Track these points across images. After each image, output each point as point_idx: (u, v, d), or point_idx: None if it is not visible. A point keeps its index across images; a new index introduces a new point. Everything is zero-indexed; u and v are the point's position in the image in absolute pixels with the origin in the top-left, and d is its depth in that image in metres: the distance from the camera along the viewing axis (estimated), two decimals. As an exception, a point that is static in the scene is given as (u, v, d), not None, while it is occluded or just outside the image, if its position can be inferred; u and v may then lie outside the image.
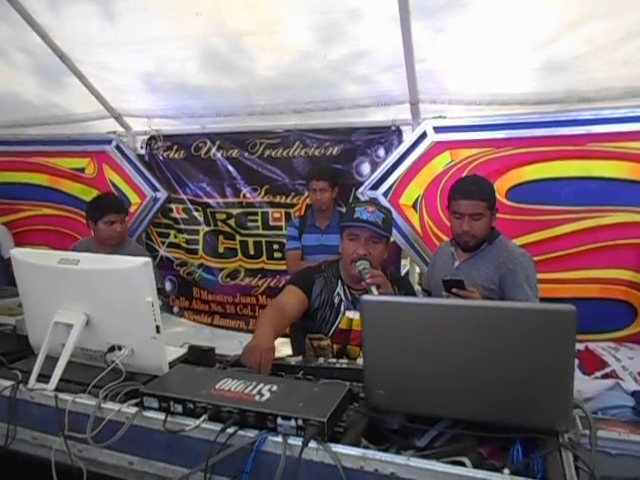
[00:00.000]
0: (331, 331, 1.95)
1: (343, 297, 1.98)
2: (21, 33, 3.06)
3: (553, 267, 2.90)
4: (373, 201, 2.99)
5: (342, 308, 1.97)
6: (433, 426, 1.24)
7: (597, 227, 2.82)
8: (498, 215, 2.35)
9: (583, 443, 1.31)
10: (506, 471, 1.00)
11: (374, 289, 1.78)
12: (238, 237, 3.78)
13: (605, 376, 2.17)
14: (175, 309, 4.06)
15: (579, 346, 2.45)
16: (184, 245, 3.94)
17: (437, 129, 3.07)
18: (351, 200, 3.34)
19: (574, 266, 2.90)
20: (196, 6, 2.68)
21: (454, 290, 1.93)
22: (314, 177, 3.13)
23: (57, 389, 1.38)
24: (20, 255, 1.56)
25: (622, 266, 2.82)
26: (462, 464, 1.07)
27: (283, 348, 2.37)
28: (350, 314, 1.96)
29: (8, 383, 1.44)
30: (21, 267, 1.56)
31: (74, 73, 3.30)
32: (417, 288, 3.47)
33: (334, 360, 1.64)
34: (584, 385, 2.07)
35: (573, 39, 2.46)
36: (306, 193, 3.45)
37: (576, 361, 2.27)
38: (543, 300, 2.22)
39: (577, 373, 2.19)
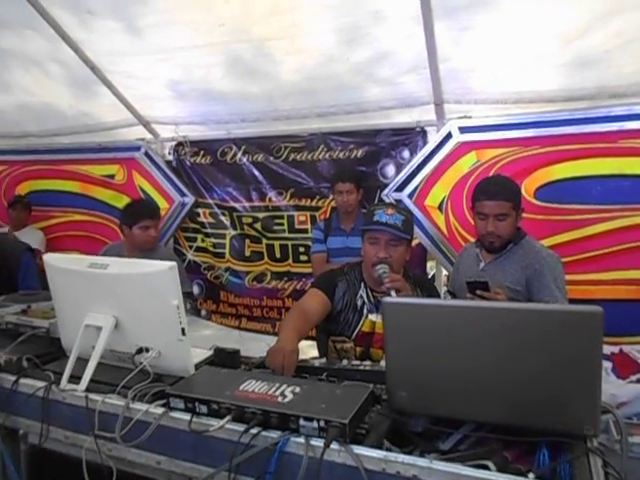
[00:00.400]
0: (354, 334, 1.95)
1: (366, 300, 1.98)
2: (55, 46, 3.18)
3: (585, 268, 2.83)
4: (394, 203, 2.97)
5: (365, 311, 1.97)
6: (457, 429, 1.23)
7: (630, 226, 2.74)
8: (526, 215, 2.31)
9: (617, 449, 1.27)
10: (531, 475, 0.98)
11: (393, 293, 1.77)
12: (264, 240, 3.82)
13: (640, 380, 2.10)
14: (203, 312, 4.12)
15: (613, 349, 2.39)
16: (211, 249, 4.00)
17: (462, 129, 3.04)
18: (376, 202, 3.33)
19: (607, 267, 2.82)
20: (219, 18, 2.74)
21: (478, 292, 1.91)
22: (340, 179, 3.13)
23: (87, 390, 1.42)
24: (52, 260, 1.61)
25: (657, 266, 2.73)
26: (486, 468, 1.06)
27: (309, 350, 2.38)
28: (373, 317, 1.95)
29: (41, 384, 1.48)
30: (53, 271, 1.61)
31: (104, 83, 3.41)
32: (444, 290, 3.44)
33: (357, 362, 1.63)
34: (618, 389, 2.00)
35: (602, 33, 2.41)
36: (331, 196, 3.46)
37: (610, 364, 2.21)
38: (573, 302, 2.17)
39: (611, 377, 2.13)
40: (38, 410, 1.46)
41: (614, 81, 2.61)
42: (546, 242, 2.57)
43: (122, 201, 4.03)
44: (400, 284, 1.83)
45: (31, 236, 4.02)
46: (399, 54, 2.80)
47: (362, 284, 2.01)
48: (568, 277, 2.18)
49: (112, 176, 4.10)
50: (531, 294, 2.05)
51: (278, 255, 3.81)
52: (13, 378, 1.53)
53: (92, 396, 1.39)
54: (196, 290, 4.09)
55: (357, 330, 1.95)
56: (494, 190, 2.11)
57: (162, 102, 3.60)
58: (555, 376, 1.09)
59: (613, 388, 1.96)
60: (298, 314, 1.86)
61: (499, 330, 1.14)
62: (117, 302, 1.50)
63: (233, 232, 3.92)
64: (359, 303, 1.97)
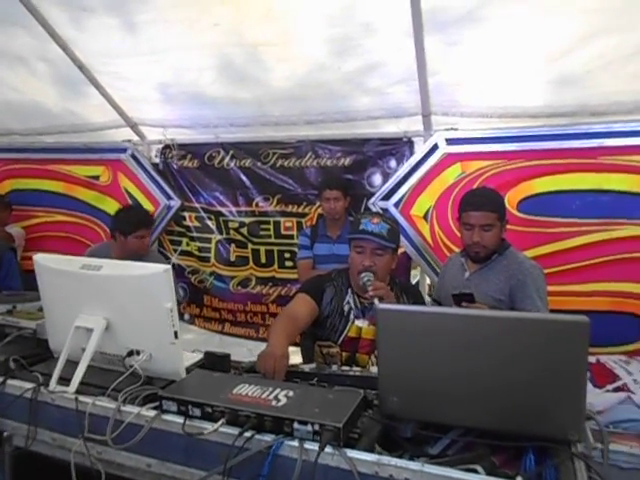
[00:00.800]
0: (340, 339, 1.98)
1: (353, 306, 2.01)
2: (43, 44, 3.14)
3: (564, 280, 2.90)
4: (381, 212, 3.02)
5: (351, 316, 1.99)
6: (446, 434, 1.26)
7: (608, 240, 2.82)
8: (509, 227, 2.37)
9: (595, 456, 1.31)
10: (519, 479, 1.02)
11: (376, 301, 1.78)
12: (250, 245, 3.82)
13: (616, 389, 2.17)
14: (186, 316, 4.09)
15: (590, 359, 2.44)
16: (196, 253, 3.98)
17: (449, 141, 3.10)
18: (362, 210, 3.37)
19: (585, 279, 2.89)
20: (215, 16, 2.74)
21: (464, 304, 1.95)
22: (327, 186, 3.15)
23: (77, 392, 1.42)
24: (43, 260, 1.60)
25: (633, 279, 2.81)
26: (475, 472, 1.09)
27: (293, 357, 2.39)
28: (359, 323, 1.99)
29: (29, 385, 1.47)
30: (44, 272, 1.60)
31: (92, 83, 3.38)
32: (427, 299, 3.49)
33: (347, 368, 1.66)
34: (595, 398, 2.06)
35: (585, 53, 2.49)
36: (318, 203, 3.48)
37: (588, 374, 2.27)
38: (554, 312, 2.23)
39: (588, 386, 2.18)
40: (25, 412, 1.45)
41: (595, 100, 2.70)
42: (528, 253, 2.63)
43: (106, 202, 4.01)
44: (383, 292, 1.86)
45: (13, 233, 3.95)
46: (389, 66, 2.85)
47: (349, 290, 2.04)
48: (549, 288, 2.25)
49: (97, 177, 4.05)
50: (514, 303, 2.10)
51: (263, 260, 3.81)
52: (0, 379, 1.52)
53: (82, 398, 1.39)
54: (180, 294, 4.07)
55: (343, 335, 1.98)
56: (480, 201, 2.17)
57: (150, 104, 3.58)
58: (541, 383, 1.13)
59: (590, 397, 2.00)
60: (287, 319, 1.88)
61: (488, 338, 1.17)
62: (109, 304, 1.51)
63: (219, 236, 3.90)
64: (346, 309, 2.00)
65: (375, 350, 1.95)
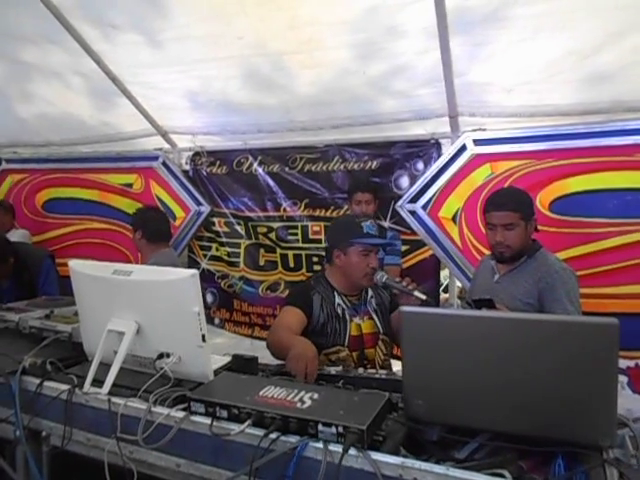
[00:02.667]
0: (346, 340, 2.00)
1: (344, 306, 2.05)
2: (77, 58, 3.27)
3: (600, 282, 2.82)
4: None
5: (347, 317, 2.03)
6: (473, 438, 1.24)
7: (646, 240, 2.74)
8: (541, 228, 2.32)
9: (632, 464, 1.27)
10: (547, 484, 1.00)
11: (418, 293, 1.83)
12: (278, 250, 3.86)
13: (656, 395, 2.09)
14: (216, 321, 4.16)
15: (629, 363, 2.38)
16: (225, 258, 4.04)
17: (477, 142, 3.06)
18: (389, 214, 3.36)
19: (622, 281, 2.80)
20: (238, 31, 2.81)
21: (484, 310, 1.92)
22: (359, 189, 3.14)
23: (110, 393, 1.46)
24: (77, 267, 1.66)
25: (672, 280, 2.72)
26: (502, 476, 1.07)
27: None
28: (356, 320, 2.04)
29: (65, 387, 1.52)
30: (78, 278, 1.66)
31: (124, 94, 3.49)
32: (457, 302, 3.45)
33: (373, 370, 1.66)
34: (634, 404, 1.98)
35: (618, 48, 2.43)
36: (345, 207, 3.49)
37: (626, 379, 2.20)
38: (588, 315, 2.17)
39: (627, 391, 2.13)
40: (61, 413, 1.50)
41: (630, 96, 2.63)
42: (561, 255, 2.57)
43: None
44: (415, 284, 1.90)
45: (17, 237, 4.03)
46: (414, 68, 2.84)
47: (335, 293, 2.07)
48: (582, 290, 2.18)
49: (130, 185, 4.17)
50: (543, 307, 2.05)
51: (292, 265, 3.84)
52: (37, 381, 1.58)
53: (114, 399, 1.43)
54: (210, 298, 4.13)
55: (347, 336, 2.00)
56: (501, 201, 2.16)
57: (180, 112, 3.67)
58: (571, 387, 1.10)
59: (629, 402, 1.94)
60: (285, 329, 1.88)
61: (515, 341, 1.15)
62: (139, 308, 1.54)
63: (248, 241, 3.96)
64: (339, 311, 2.03)
65: (378, 341, 2.07)
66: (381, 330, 2.08)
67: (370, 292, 2.14)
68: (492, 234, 2.16)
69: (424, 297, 1.83)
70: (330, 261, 2.11)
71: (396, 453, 1.14)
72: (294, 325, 1.92)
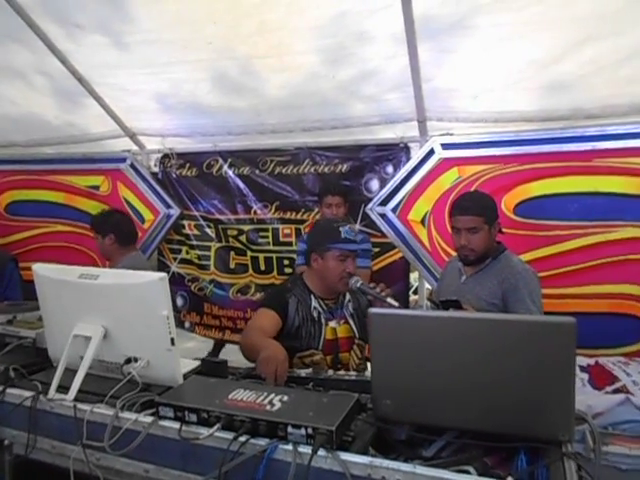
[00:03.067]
0: (320, 344, 2.01)
1: (320, 310, 2.06)
2: (41, 58, 3.19)
3: (562, 282, 2.91)
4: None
5: (323, 320, 2.05)
6: (440, 436, 1.27)
7: (605, 242, 2.83)
8: (507, 230, 2.39)
9: (592, 458, 1.32)
10: (509, 479, 1.03)
11: (390, 299, 1.86)
12: (249, 253, 3.84)
13: (616, 391, 2.17)
14: (186, 324, 4.11)
15: (589, 361, 2.45)
16: (196, 261, 4.01)
17: (444, 146, 3.12)
18: (360, 217, 3.39)
19: (583, 281, 2.90)
20: (206, 37, 2.81)
21: (451, 310, 1.96)
22: (329, 192, 3.16)
23: (76, 399, 1.43)
24: (42, 270, 1.62)
25: (631, 281, 2.82)
26: (467, 473, 1.10)
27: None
28: (332, 324, 2.06)
29: (29, 394, 1.49)
30: (43, 282, 1.62)
31: (91, 94, 3.42)
32: (427, 303, 3.50)
33: (342, 372, 1.67)
34: (594, 400, 2.06)
35: (577, 58, 2.52)
36: (316, 209, 3.51)
37: (586, 376, 2.27)
38: (551, 315, 2.23)
39: (587, 388, 2.19)
40: (25, 420, 1.47)
41: (589, 103, 2.73)
42: (525, 257, 2.65)
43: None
44: (389, 290, 1.93)
45: None
46: (383, 73, 2.88)
47: (311, 296, 2.08)
48: (546, 291, 2.26)
49: (97, 187, 4.08)
50: (507, 307, 2.11)
51: (263, 267, 3.83)
52: (0, 388, 1.53)
53: (80, 406, 1.40)
54: (180, 302, 4.09)
55: (322, 340, 2.02)
56: (466, 205, 2.21)
57: (149, 114, 3.62)
58: (532, 384, 1.14)
59: (590, 399, 2.02)
60: (258, 331, 1.88)
61: (478, 340, 1.19)
62: (106, 312, 1.52)
63: (218, 244, 3.93)
64: (315, 314, 2.04)
65: (353, 345, 2.09)
66: (357, 334, 2.10)
67: (347, 296, 2.16)
68: (457, 237, 2.21)
69: (396, 304, 1.86)
70: (308, 264, 2.12)
71: (365, 453, 1.16)
72: (268, 327, 1.92)
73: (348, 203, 3.25)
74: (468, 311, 1.96)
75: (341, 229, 2.02)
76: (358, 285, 1.95)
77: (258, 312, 2.03)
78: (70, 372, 1.50)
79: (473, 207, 2.18)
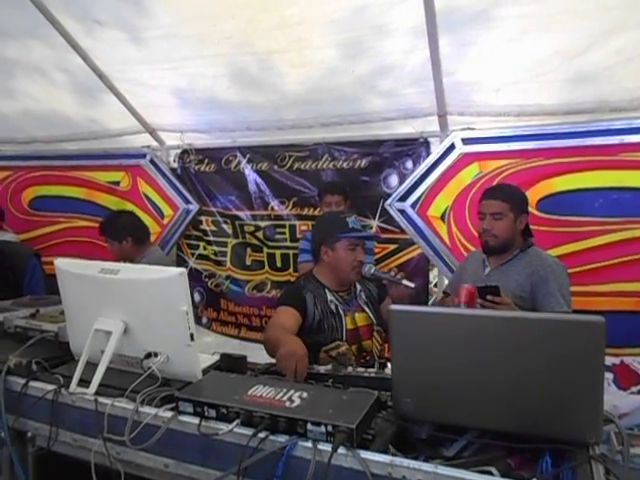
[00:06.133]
0: (343, 335, 2.03)
1: (337, 302, 2.09)
2: (61, 54, 3.23)
3: (587, 280, 2.85)
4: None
5: (341, 312, 2.07)
6: (462, 436, 1.25)
7: (631, 239, 2.76)
8: (529, 226, 2.34)
9: (618, 460, 1.29)
10: (534, 481, 1.00)
11: (406, 282, 1.89)
12: (265, 249, 3.84)
13: (641, 391, 2.12)
14: (204, 320, 4.14)
15: (615, 360, 2.40)
16: (212, 257, 4.02)
17: (465, 141, 3.08)
18: (378, 213, 3.36)
19: (608, 279, 2.83)
20: (225, 32, 2.80)
21: (489, 297, 1.93)
22: (328, 192, 3.16)
23: (97, 393, 1.44)
24: (64, 265, 1.64)
25: (659, 279, 2.75)
26: (490, 474, 1.08)
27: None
28: (350, 314, 2.08)
29: (51, 387, 1.51)
30: (64, 276, 1.64)
31: (111, 90, 3.45)
32: (440, 295, 3.46)
33: (362, 369, 1.66)
34: (620, 400, 2.01)
35: (603, 50, 2.45)
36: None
37: (611, 375, 2.23)
38: (576, 312, 2.19)
39: (612, 388, 2.15)
40: (47, 413, 1.49)
41: (615, 96, 2.66)
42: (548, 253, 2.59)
43: (127, 207, 4.07)
44: (404, 273, 1.96)
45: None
46: (402, 67, 2.85)
47: (326, 290, 2.10)
48: (571, 288, 2.21)
49: (117, 183, 4.13)
50: (536, 301, 2.08)
51: (279, 264, 3.82)
52: (22, 381, 1.56)
53: (101, 399, 1.41)
54: (197, 298, 4.11)
55: (344, 330, 2.04)
56: (493, 192, 2.24)
57: (168, 110, 3.64)
58: (558, 384, 1.11)
59: (614, 399, 1.97)
60: (280, 329, 1.88)
61: (503, 338, 1.16)
62: (127, 307, 1.53)
63: (235, 240, 3.93)
64: (333, 307, 2.07)
65: (374, 332, 2.12)
66: (374, 321, 2.12)
67: (358, 286, 2.18)
68: (481, 223, 2.22)
69: (412, 285, 1.90)
70: (318, 259, 2.14)
71: (385, 451, 1.15)
72: (289, 324, 1.93)
73: (366, 199, 3.23)
74: (505, 299, 1.94)
75: (348, 220, 2.07)
76: (372, 271, 2.00)
77: (277, 311, 2.05)
78: (91, 366, 1.51)
79: (500, 193, 2.20)
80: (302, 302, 2.02)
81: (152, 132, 3.88)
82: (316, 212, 3.64)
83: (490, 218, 2.16)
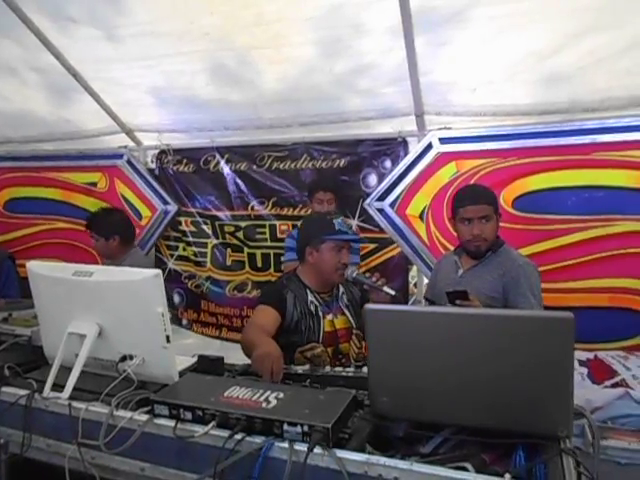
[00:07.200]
0: (320, 337, 2.03)
1: (317, 303, 2.09)
2: (33, 53, 3.17)
3: (561, 277, 2.90)
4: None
5: (320, 313, 2.07)
6: (438, 433, 1.26)
7: (604, 236, 2.82)
8: (505, 224, 2.38)
9: (591, 452, 1.32)
10: (507, 476, 1.02)
11: (387, 288, 1.89)
12: (246, 249, 3.82)
13: (615, 385, 2.16)
14: (184, 321, 4.09)
15: (588, 355, 2.44)
16: (192, 258, 3.98)
17: (442, 140, 3.11)
18: (358, 212, 3.37)
19: (582, 275, 2.89)
20: (203, 28, 2.78)
21: (458, 302, 1.95)
22: (321, 188, 3.15)
23: (71, 398, 1.42)
24: (36, 268, 1.61)
25: (630, 275, 2.80)
26: (465, 469, 1.09)
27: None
28: (329, 317, 2.09)
29: (24, 392, 1.48)
30: (37, 279, 1.61)
31: (86, 90, 3.40)
32: (423, 301, 3.49)
33: (340, 369, 1.66)
34: (593, 394, 2.05)
35: (576, 50, 2.50)
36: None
37: (585, 370, 2.27)
38: (549, 309, 2.23)
39: (586, 382, 2.18)
40: (20, 419, 1.46)
41: (587, 96, 2.71)
42: (523, 251, 2.63)
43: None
44: (384, 279, 1.96)
45: None
46: (380, 66, 2.86)
47: (307, 291, 2.10)
48: (545, 285, 2.24)
49: (94, 184, 4.07)
50: (507, 301, 2.10)
51: (260, 264, 3.81)
52: (-6, 387, 1.52)
53: (75, 404, 1.39)
54: (177, 299, 4.07)
55: (321, 332, 2.04)
56: (476, 195, 2.21)
57: (145, 109, 3.60)
58: (529, 380, 1.13)
59: (589, 393, 2.01)
60: (258, 328, 1.89)
61: (476, 336, 1.18)
62: (101, 310, 1.51)
63: (215, 241, 3.91)
64: (312, 308, 2.07)
65: (352, 336, 2.12)
66: (354, 325, 2.13)
67: (341, 289, 2.19)
68: (467, 228, 2.18)
69: (393, 292, 1.90)
70: (302, 260, 2.14)
71: (362, 450, 1.15)
72: (268, 324, 1.93)
73: (345, 198, 3.23)
74: (474, 302, 1.96)
75: (334, 221, 2.07)
76: (354, 275, 2.00)
77: (257, 309, 2.04)
78: (65, 370, 1.49)
79: (484, 196, 2.19)
80: (282, 301, 2.02)
81: (129, 132, 3.83)
82: (296, 212, 3.65)
83: (479, 222, 2.15)
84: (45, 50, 3.10)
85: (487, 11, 2.40)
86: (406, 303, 3.43)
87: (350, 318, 2.13)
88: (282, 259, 3.39)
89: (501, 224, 2.29)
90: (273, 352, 1.61)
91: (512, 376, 1.15)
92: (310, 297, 2.08)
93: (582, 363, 2.31)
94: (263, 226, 3.75)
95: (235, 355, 1.94)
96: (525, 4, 2.34)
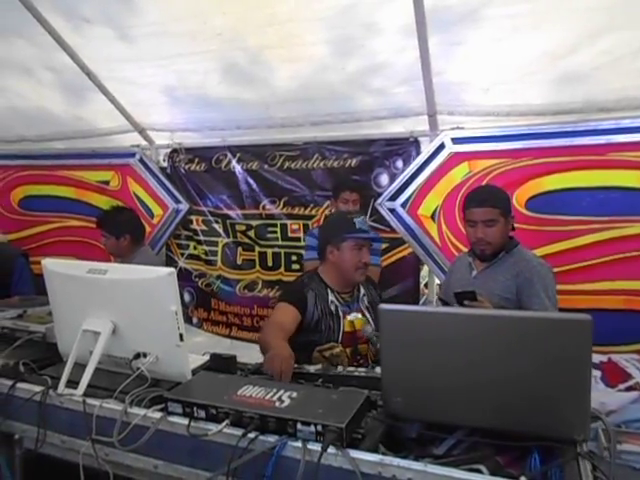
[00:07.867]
0: (339, 337, 2.03)
1: (337, 303, 2.09)
2: (48, 53, 3.20)
3: (575, 278, 2.87)
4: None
5: (340, 313, 2.06)
6: (451, 434, 1.25)
7: (619, 238, 2.78)
8: (518, 225, 2.35)
9: (606, 457, 1.30)
10: (522, 479, 1.01)
11: None
12: (257, 248, 3.83)
13: (629, 388, 2.14)
14: (194, 320, 4.11)
15: (602, 358, 2.42)
16: (203, 256, 4.00)
17: (455, 140, 3.09)
18: (369, 212, 3.37)
19: (596, 277, 2.86)
20: (216, 28, 2.79)
21: (466, 302, 1.94)
22: (347, 188, 3.12)
23: (85, 394, 1.43)
24: (51, 265, 1.62)
25: (646, 277, 2.78)
26: (479, 472, 1.08)
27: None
28: (349, 317, 2.08)
29: (38, 388, 1.49)
30: (52, 277, 1.62)
31: (100, 89, 3.42)
32: (436, 299, 3.48)
33: (352, 368, 1.66)
34: (607, 397, 2.02)
35: (591, 50, 2.47)
36: (325, 204, 3.49)
37: (599, 373, 2.24)
38: (563, 311, 2.20)
39: (600, 385, 2.16)
40: (34, 415, 1.47)
41: (602, 96, 2.68)
42: (537, 252, 2.60)
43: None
44: None
45: None
46: (393, 66, 2.85)
47: (328, 290, 2.10)
48: (559, 287, 2.22)
49: (107, 182, 4.10)
50: (521, 302, 2.08)
51: (270, 263, 3.81)
52: (10, 383, 1.54)
53: (90, 401, 1.41)
54: (187, 298, 4.09)
55: (341, 332, 2.04)
56: (482, 198, 2.18)
57: (157, 108, 3.61)
58: (546, 382, 1.12)
59: (602, 396, 1.98)
60: (276, 327, 1.89)
61: (491, 337, 1.17)
62: (115, 307, 1.52)
63: (226, 240, 3.92)
64: (332, 308, 2.06)
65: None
66: (373, 326, 2.10)
67: (362, 290, 2.18)
68: (473, 231, 2.17)
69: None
70: (323, 258, 2.14)
71: (375, 450, 1.15)
72: (287, 322, 1.93)
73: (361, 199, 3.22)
74: (483, 303, 1.94)
75: (355, 220, 2.06)
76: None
77: (277, 307, 2.05)
78: (80, 367, 1.50)
79: (490, 199, 2.16)
80: (303, 300, 2.02)
81: (141, 131, 3.85)
82: (307, 211, 3.65)
83: (482, 226, 2.13)
84: (60, 49, 3.12)
85: (501, 10, 2.38)
86: (417, 304, 3.42)
87: (370, 319, 2.12)
88: (303, 257, 3.38)
89: (515, 226, 2.28)
90: (283, 352, 1.61)
91: (528, 378, 1.14)
92: (331, 297, 2.08)
93: (595, 366, 2.29)
94: (274, 225, 3.76)
95: (245, 354, 1.95)
96: (540, 4, 2.33)
